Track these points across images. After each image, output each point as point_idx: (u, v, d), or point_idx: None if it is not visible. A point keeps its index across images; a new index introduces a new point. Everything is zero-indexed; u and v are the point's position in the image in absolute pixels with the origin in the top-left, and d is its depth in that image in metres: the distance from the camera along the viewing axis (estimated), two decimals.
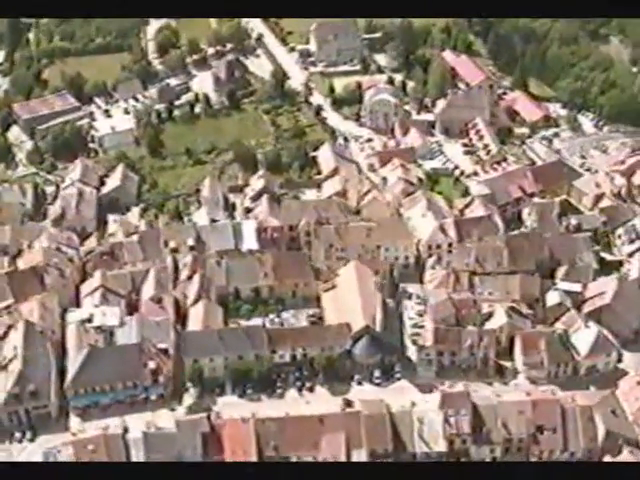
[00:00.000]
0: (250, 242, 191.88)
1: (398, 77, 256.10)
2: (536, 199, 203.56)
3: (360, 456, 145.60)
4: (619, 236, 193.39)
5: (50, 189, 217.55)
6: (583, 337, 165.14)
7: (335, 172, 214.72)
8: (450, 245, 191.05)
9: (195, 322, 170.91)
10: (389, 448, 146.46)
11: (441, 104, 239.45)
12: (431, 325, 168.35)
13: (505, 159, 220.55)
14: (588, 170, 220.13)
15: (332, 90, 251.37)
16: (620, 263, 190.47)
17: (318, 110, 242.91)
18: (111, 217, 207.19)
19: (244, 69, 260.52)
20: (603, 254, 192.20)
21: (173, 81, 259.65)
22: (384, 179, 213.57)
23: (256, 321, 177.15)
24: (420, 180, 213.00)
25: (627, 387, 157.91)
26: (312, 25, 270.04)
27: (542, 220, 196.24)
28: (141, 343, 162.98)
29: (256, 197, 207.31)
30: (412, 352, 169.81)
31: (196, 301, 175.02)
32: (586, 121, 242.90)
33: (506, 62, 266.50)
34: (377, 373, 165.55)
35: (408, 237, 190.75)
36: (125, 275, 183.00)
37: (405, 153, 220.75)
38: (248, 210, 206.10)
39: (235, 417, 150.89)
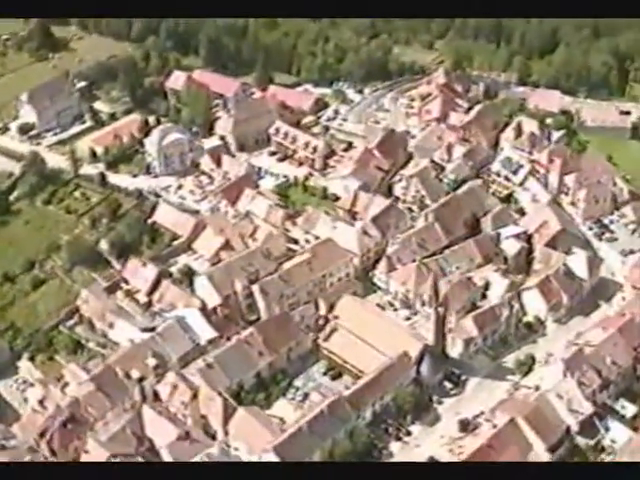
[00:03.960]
0: (206, 332, 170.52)
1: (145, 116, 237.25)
2: (405, 172, 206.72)
3: (542, 457, 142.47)
4: (497, 174, 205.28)
5: None
6: (576, 263, 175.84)
7: (201, 227, 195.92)
8: (377, 244, 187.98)
9: (252, 436, 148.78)
10: (559, 435, 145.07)
11: (224, 124, 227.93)
12: (454, 317, 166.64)
13: (333, 151, 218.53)
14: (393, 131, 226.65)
15: (94, 154, 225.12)
16: (510, 194, 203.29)
17: (102, 179, 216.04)
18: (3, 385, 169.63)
19: None
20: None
21: None
22: (247, 214, 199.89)
23: (281, 404, 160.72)
24: (284, 201, 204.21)
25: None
26: (21, 95, 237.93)
27: (427, 187, 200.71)
28: None
29: (153, 288, 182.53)
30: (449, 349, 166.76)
31: (229, 417, 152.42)
32: (346, 91, 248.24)
33: (222, 63, 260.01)
34: (448, 385, 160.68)
35: (345, 253, 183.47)
36: (124, 430, 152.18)
37: (245, 181, 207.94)
38: (149, 304, 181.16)
39: None
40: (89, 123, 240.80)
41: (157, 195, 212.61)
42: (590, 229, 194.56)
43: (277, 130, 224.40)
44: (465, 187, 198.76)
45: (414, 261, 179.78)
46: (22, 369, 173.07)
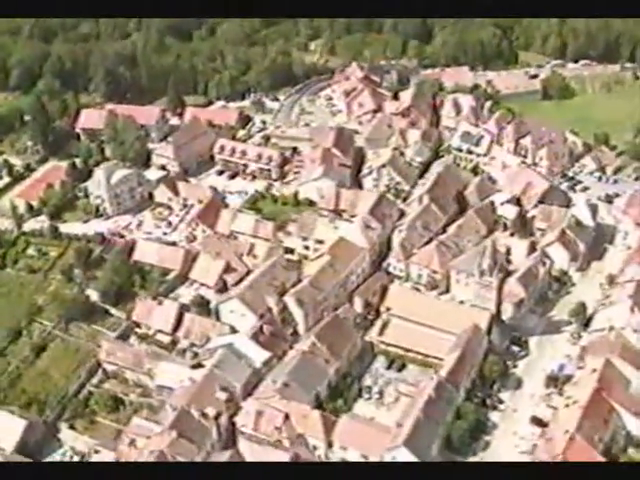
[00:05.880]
0: (258, 354, 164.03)
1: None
2: (372, 164, 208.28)
3: None
4: (459, 149, 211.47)
5: None
6: (580, 211, 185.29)
7: (191, 256, 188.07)
8: (379, 236, 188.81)
9: (365, 440, 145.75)
10: None
11: (164, 152, 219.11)
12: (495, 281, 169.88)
13: (286, 159, 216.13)
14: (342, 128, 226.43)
15: (31, 207, 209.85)
16: (476, 166, 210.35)
17: (55, 230, 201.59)
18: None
19: None
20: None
21: None
22: (231, 233, 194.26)
23: (360, 406, 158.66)
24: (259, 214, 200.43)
25: None
26: None
27: (401, 173, 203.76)
28: None
29: (176, 325, 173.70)
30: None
31: (330, 429, 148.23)
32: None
33: (121, 94, 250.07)
34: (515, 348, 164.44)
35: (360, 250, 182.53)
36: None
37: (215, 204, 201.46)
38: (174, 342, 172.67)
39: None
40: (6, 179, 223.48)
41: (121, 236, 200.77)
42: (560, 183, 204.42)
43: (222, 148, 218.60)
44: (441, 166, 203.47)
45: (427, 243, 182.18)
46: (67, 440, 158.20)
